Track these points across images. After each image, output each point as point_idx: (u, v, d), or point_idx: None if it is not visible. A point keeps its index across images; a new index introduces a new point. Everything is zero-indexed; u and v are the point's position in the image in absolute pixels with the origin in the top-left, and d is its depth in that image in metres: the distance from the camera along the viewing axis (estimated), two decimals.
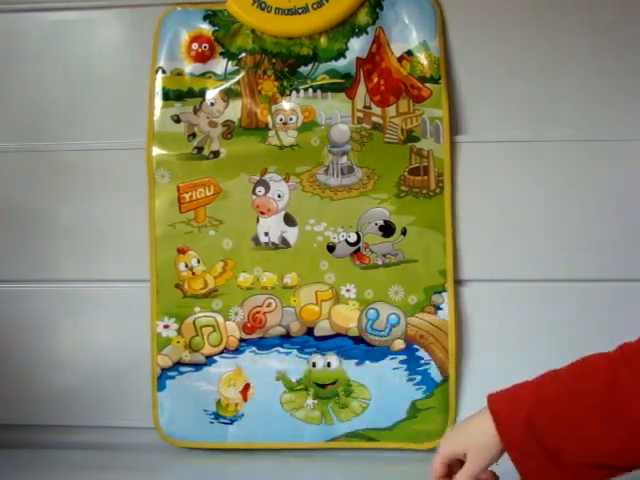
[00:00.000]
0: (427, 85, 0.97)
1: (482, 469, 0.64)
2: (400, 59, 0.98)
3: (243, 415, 1.00)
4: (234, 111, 1.00)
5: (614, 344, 0.63)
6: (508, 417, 0.62)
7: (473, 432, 0.64)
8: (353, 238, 0.99)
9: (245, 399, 1.00)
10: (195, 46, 0.99)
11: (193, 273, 1.00)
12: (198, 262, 1.00)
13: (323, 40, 0.98)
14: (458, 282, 0.98)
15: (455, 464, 0.67)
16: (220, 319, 1.00)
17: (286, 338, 0.99)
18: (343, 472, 0.96)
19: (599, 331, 0.93)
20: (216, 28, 1.00)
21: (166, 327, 1.00)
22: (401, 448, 0.98)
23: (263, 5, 0.97)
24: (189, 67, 1.00)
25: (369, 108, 0.98)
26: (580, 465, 0.60)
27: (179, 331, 1.00)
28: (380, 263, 0.98)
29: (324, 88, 0.99)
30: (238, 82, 1.00)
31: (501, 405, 0.63)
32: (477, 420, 0.65)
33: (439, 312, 0.97)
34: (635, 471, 0.60)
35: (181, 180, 1.00)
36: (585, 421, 0.59)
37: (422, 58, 0.97)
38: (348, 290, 0.99)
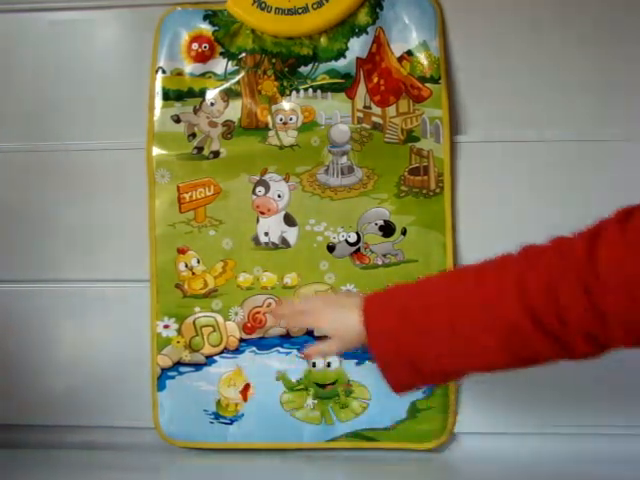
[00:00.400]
0: (427, 85, 0.97)
1: (339, 353, 0.76)
2: (400, 59, 0.98)
3: (243, 415, 1.00)
4: (234, 111, 1.00)
5: None
6: (377, 329, 0.67)
7: (344, 324, 0.71)
8: (353, 238, 0.99)
9: (245, 399, 1.00)
10: (195, 46, 0.99)
11: (193, 273, 1.00)
12: (198, 262, 1.00)
13: (323, 40, 0.98)
14: None
15: None
16: (220, 319, 1.00)
17: (286, 338, 0.99)
18: (343, 472, 0.96)
19: None
20: (216, 28, 1.00)
21: (166, 327, 1.00)
22: (401, 448, 0.98)
23: (263, 5, 0.97)
24: (189, 67, 1.00)
25: (369, 108, 0.98)
26: (438, 372, 0.66)
27: (179, 331, 1.00)
28: (380, 263, 0.98)
29: (324, 88, 0.99)
30: (238, 82, 1.00)
31: (373, 314, 0.68)
32: (350, 313, 0.70)
33: None
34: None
35: (181, 180, 1.00)
36: (446, 332, 0.63)
37: (422, 58, 0.97)
38: (348, 290, 0.99)
